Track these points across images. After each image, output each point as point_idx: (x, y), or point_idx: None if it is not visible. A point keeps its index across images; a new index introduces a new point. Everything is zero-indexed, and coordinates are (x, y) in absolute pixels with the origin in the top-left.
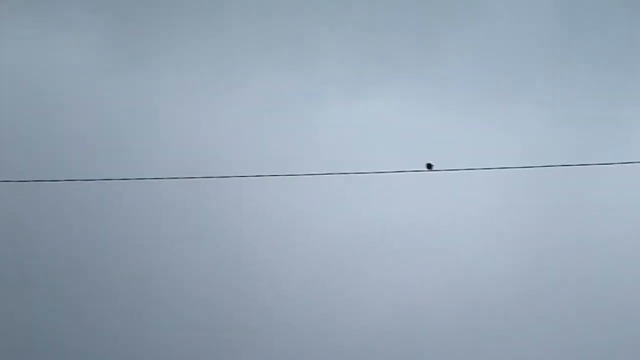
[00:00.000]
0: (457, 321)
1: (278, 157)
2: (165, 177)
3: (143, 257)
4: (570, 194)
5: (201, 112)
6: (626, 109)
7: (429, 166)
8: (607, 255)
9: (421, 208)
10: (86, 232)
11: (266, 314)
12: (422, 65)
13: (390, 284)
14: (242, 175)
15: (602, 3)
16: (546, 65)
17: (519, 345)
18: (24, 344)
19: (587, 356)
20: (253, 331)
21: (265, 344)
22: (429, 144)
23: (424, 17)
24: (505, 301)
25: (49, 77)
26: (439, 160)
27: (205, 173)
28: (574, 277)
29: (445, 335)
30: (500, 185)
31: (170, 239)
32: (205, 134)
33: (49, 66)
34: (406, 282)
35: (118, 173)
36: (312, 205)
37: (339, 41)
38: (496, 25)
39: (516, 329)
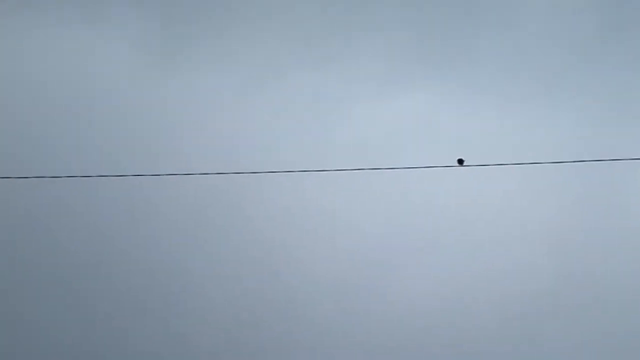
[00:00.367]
0: (495, 314)
1: (311, 154)
2: (201, 172)
3: (193, 250)
4: (603, 189)
5: (237, 111)
6: None
7: (460, 162)
8: None
9: (452, 203)
10: (137, 228)
11: (308, 313)
12: (454, 62)
13: (423, 278)
14: (277, 171)
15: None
16: (578, 62)
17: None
18: (31, 343)
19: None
20: (291, 330)
21: (300, 343)
22: (461, 140)
23: (456, 15)
24: (538, 295)
25: (92, 76)
26: (470, 155)
27: (239, 169)
28: (614, 271)
29: (486, 326)
30: (531, 181)
31: (209, 233)
32: (241, 132)
33: (92, 65)
34: (440, 276)
35: (159, 169)
36: (345, 201)
37: (371, 39)
38: (528, 23)
39: (553, 321)
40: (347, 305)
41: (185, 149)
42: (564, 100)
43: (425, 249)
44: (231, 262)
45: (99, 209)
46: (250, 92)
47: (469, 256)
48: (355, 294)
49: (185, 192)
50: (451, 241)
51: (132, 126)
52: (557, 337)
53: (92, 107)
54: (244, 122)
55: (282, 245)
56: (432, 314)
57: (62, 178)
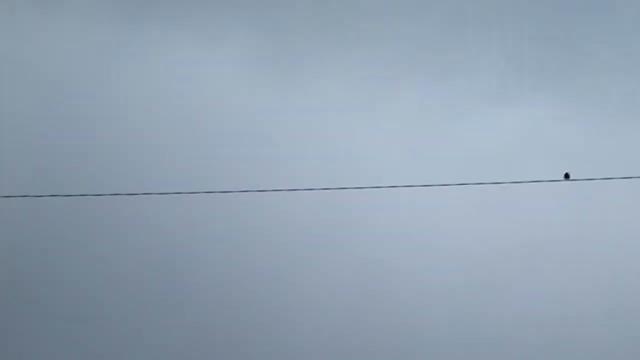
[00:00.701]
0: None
1: (425, 166)
2: (318, 187)
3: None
4: None
5: (353, 123)
6: None
7: (567, 176)
8: None
9: (559, 218)
10: (246, 244)
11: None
12: (567, 76)
13: (532, 291)
14: (394, 185)
15: None
16: None
17: None
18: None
19: None
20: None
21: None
22: (567, 154)
23: (570, 29)
24: None
25: (206, 88)
26: (577, 169)
27: (355, 184)
28: None
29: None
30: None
31: (322, 245)
32: (356, 144)
33: (205, 77)
34: (548, 288)
35: (271, 183)
36: (453, 216)
37: (486, 53)
38: None
39: None
40: (458, 321)
41: (299, 163)
42: None
43: (538, 262)
44: (344, 277)
45: (205, 223)
46: (363, 105)
47: (582, 267)
48: (469, 300)
49: (308, 207)
50: (560, 255)
51: (243, 142)
52: None
53: (206, 123)
54: (357, 135)
55: (396, 261)
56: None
57: (188, 194)
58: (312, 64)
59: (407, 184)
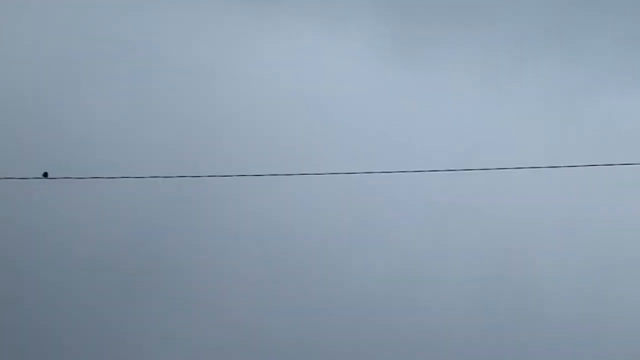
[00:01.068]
0: None
1: (549, 150)
2: (433, 169)
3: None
4: None
5: (474, 109)
6: None
7: None
8: None
9: None
10: (350, 228)
11: None
12: None
13: None
14: (515, 167)
15: None
16: None
17: None
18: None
19: None
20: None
21: None
22: None
23: None
24: None
25: (326, 76)
26: None
27: (474, 165)
28: None
29: None
30: None
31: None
32: (477, 130)
33: (325, 65)
34: None
35: (389, 166)
36: (578, 198)
37: (612, 33)
38: None
39: None
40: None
41: (420, 145)
42: None
43: None
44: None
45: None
46: (487, 89)
47: None
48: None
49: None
50: None
51: (385, 128)
52: None
53: (327, 107)
54: (481, 123)
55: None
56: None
57: (315, 175)
58: (434, 53)
59: (533, 165)
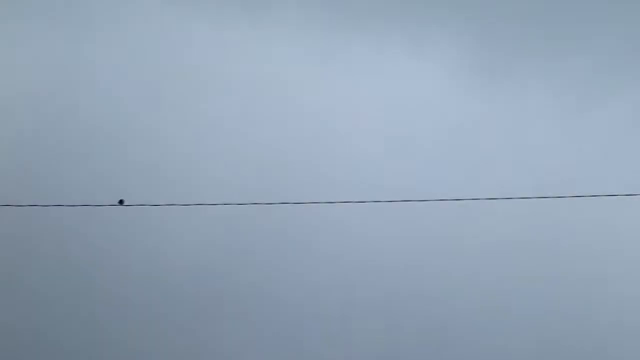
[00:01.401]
0: None
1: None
2: (516, 196)
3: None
4: None
5: (566, 130)
6: None
7: None
8: None
9: None
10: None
11: None
12: None
13: None
14: (608, 194)
15: None
16: None
17: None
18: None
19: None
20: None
21: None
22: None
23: None
24: None
25: (413, 100)
26: None
27: (559, 193)
28: None
29: None
30: None
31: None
32: (563, 153)
33: (412, 89)
34: None
35: (473, 192)
36: None
37: None
38: None
39: None
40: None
41: (514, 172)
42: None
43: None
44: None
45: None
46: (571, 111)
47: None
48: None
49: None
50: None
51: (468, 148)
52: None
53: (411, 130)
54: (564, 143)
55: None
56: None
57: (399, 202)
58: (516, 70)
59: (626, 193)
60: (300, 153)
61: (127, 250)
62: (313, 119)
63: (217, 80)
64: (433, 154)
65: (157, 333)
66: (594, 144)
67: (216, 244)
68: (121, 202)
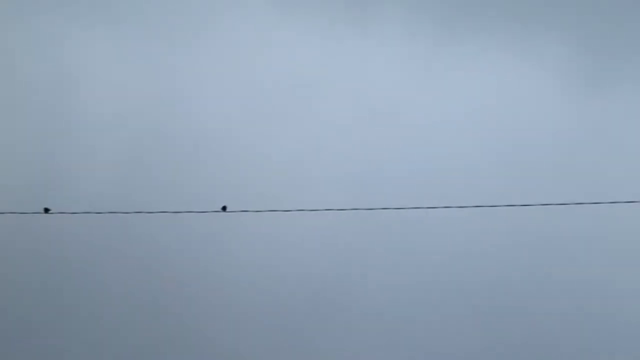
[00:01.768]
0: None
1: None
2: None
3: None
4: None
5: None
6: None
7: None
8: None
9: None
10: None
11: None
12: None
13: None
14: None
15: None
16: None
17: None
18: None
19: None
20: None
21: None
22: None
23: None
24: None
25: (520, 103)
26: None
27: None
28: None
29: None
30: None
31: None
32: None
33: (514, 93)
34: None
35: (569, 197)
36: None
37: None
38: None
39: None
40: None
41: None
42: None
43: None
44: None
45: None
46: None
47: None
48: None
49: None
50: None
51: (568, 155)
52: None
53: (519, 137)
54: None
55: None
56: None
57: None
58: (625, 74)
59: None
60: (402, 159)
61: (227, 256)
62: (415, 128)
63: (322, 91)
64: (544, 160)
65: (263, 337)
66: None
67: (320, 250)
68: (224, 208)
